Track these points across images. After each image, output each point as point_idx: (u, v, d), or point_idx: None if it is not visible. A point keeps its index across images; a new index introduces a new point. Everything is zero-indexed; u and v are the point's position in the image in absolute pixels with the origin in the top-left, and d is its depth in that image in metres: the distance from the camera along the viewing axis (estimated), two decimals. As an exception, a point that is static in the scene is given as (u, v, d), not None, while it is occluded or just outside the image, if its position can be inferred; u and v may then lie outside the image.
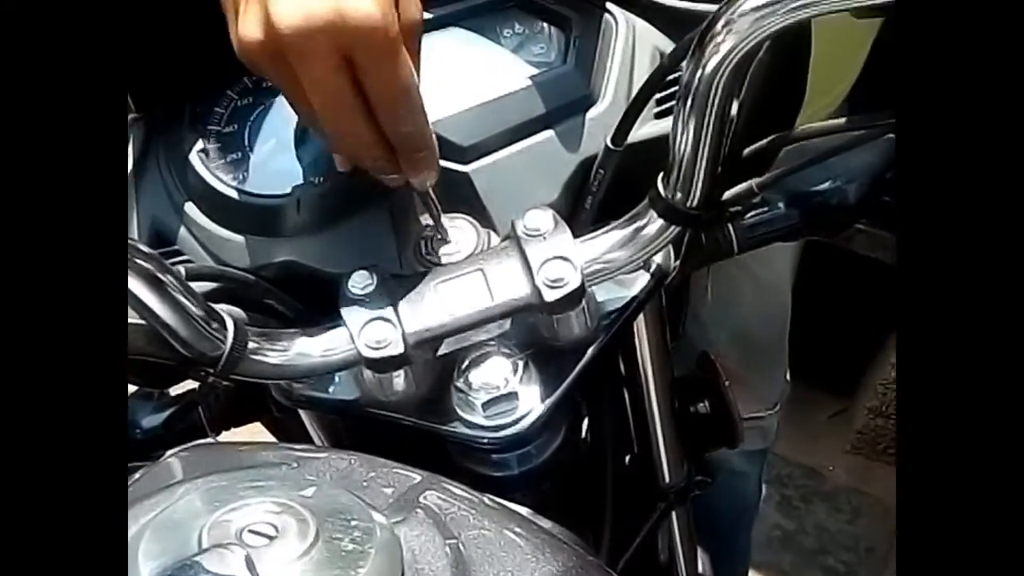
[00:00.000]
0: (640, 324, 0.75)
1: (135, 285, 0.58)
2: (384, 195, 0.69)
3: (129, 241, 0.58)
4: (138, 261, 0.58)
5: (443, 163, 0.69)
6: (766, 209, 0.74)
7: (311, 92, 0.59)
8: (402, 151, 0.63)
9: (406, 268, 0.68)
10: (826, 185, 0.73)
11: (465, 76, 0.72)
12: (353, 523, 0.51)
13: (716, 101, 0.59)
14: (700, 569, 0.95)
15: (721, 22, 0.57)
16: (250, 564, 0.48)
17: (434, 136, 0.64)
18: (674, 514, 0.88)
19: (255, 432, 0.82)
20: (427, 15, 0.72)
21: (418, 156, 0.64)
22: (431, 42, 0.72)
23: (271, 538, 0.50)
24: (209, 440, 0.71)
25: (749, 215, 0.74)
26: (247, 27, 0.58)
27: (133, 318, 0.60)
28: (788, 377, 1.31)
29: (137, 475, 0.58)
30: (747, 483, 1.43)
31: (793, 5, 0.55)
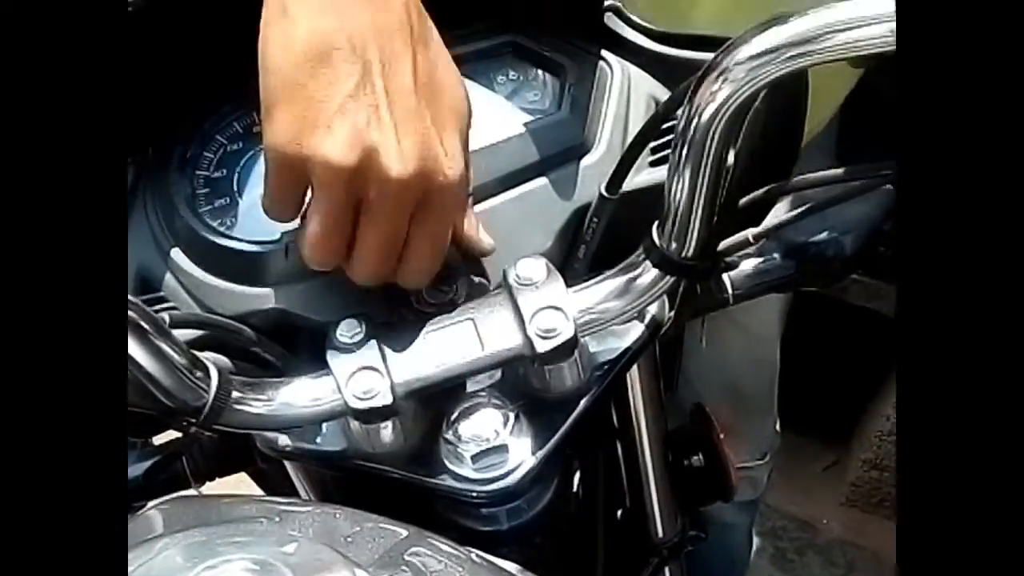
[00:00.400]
0: (633, 375, 0.74)
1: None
2: None
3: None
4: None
5: None
6: (762, 259, 0.74)
7: (370, 241, 0.60)
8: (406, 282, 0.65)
9: (396, 317, 0.67)
10: (823, 236, 0.73)
11: None
12: (336, 580, 0.50)
13: (712, 150, 0.58)
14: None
15: (717, 70, 0.56)
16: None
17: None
18: (667, 569, 0.87)
19: (241, 482, 0.81)
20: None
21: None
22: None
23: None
24: (191, 492, 0.70)
25: (744, 265, 0.73)
26: (340, 145, 0.58)
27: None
28: (778, 427, 1.30)
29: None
30: (738, 534, 1.43)
31: (790, 54, 0.54)
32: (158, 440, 0.77)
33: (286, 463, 0.72)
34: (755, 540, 1.56)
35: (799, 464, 2.06)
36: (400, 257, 0.62)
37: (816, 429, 2.04)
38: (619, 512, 0.83)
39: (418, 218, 0.60)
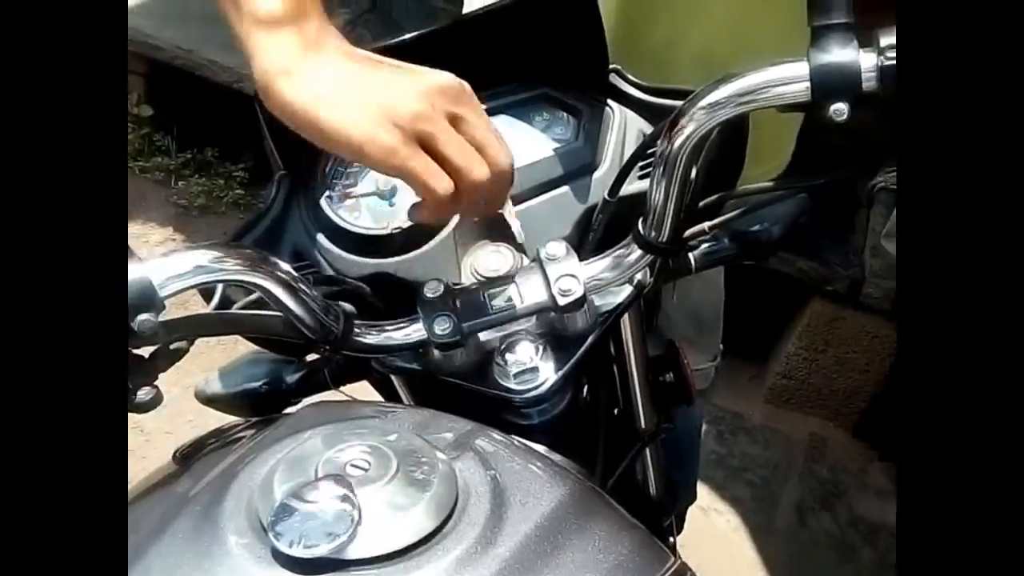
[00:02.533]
0: (625, 321, 0.73)
1: (277, 289, 0.57)
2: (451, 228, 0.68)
3: (273, 258, 0.57)
4: (279, 272, 0.57)
5: None
6: (716, 242, 0.72)
7: (454, 150, 0.56)
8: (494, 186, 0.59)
9: (464, 280, 0.67)
10: (757, 227, 0.71)
11: (512, 146, 0.70)
12: (422, 460, 0.50)
13: (681, 168, 0.57)
14: (665, 487, 0.92)
15: (685, 114, 0.55)
16: (350, 488, 0.46)
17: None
18: (648, 449, 0.86)
19: (364, 388, 0.80)
20: (486, 105, 0.71)
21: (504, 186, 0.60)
22: (492, 121, 0.71)
23: (365, 470, 0.48)
24: (328, 396, 0.69)
25: (703, 246, 0.72)
26: (408, 100, 0.56)
27: (274, 310, 0.58)
28: (721, 343, 1.28)
29: (282, 420, 0.57)
30: (695, 415, 1.41)
31: (734, 103, 0.53)
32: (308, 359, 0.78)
33: (392, 376, 0.71)
34: (703, 425, 1.55)
35: (734, 376, 2.04)
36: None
37: (746, 352, 2.03)
38: (615, 411, 0.82)
39: (460, 121, 0.57)
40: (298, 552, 0.43)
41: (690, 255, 0.71)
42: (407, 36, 0.66)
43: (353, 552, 0.44)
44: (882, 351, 1.91)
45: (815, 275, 1.89)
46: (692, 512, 1.59)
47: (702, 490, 1.82)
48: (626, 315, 0.71)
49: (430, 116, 0.55)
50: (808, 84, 0.49)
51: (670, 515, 0.96)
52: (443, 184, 0.56)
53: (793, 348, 1.97)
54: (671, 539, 0.97)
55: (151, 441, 1.73)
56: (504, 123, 0.71)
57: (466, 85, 0.57)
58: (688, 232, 0.64)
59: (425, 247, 0.67)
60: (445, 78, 0.56)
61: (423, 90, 0.55)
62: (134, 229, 2.14)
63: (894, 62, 0.46)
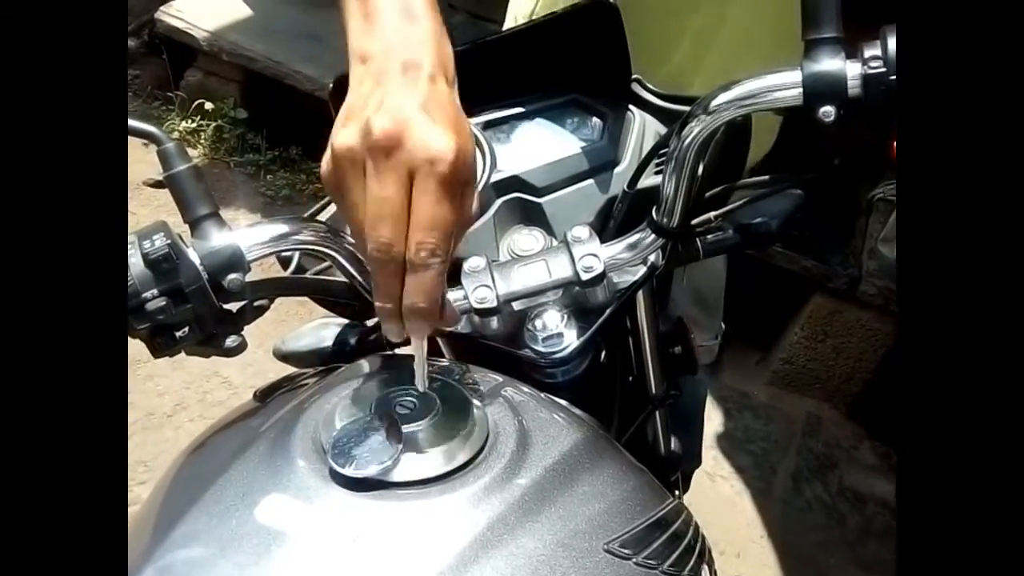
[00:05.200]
0: (640, 297, 0.73)
1: (343, 258, 0.57)
2: (492, 213, 0.68)
3: (341, 232, 0.58)
4: (346, 244, 0.58)
5: (525, 196, 0.68)
6: (721, 232, 0.71)
7: (370, 201, 0.44)
8: (409, 296, 0.46)
9: (502, 257, 0.67)
10: (758, 219, 0.70)
11: (543, 145, 0.71)
12: (459, 404, 0.51)
13: (689, 163, 0.57)
14: (672, 447, 0.92)
15: (693, 117, 0.55)
16: (397, 424, 0.48)
17: (440, 301, 0.47)
18: (657, 413, 0.86)
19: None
20: (521, 109, 0.72)
21: (422, 308, 0.46)
22: (526, 125, 0.72)
23: (411, 410, 0.50)
24: (385, 352, 0.71)
25: (710, 235, 0.72)
26: (345, 135, 0.44)
27: (341, 277, 0.59)
28: (723, 322, 1.26)
29: (343, 369, 0.59)
30: (700, 386, 1.40)
31: (735, 107, 0.53)
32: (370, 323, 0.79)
33: (438, 338, 0.72)
34: (708, 397, 1.54)
35: (742, 359, 2.03)
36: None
37: (753, 339, 2.02)
38: (630, 378, 0.82)
39: (416, 188, 0.43)
40: (350, 472, 0.45)
41: (698, 243, 0.71)
42: (456, 48, 0.67)
43: (396, 475, 0.46)
44: (875, 342, 1.88)
45: (818, 273, 1.87)
46: (699, 476, 1.58)
47: (709, 457, 1.82)
48: (640, 292, 0.71)
49: (380, 156, 0.43)
50: (800, 90, 0.49)
51: (676, 472, 0.96)
52: (356, 219, 0.45)
53: (795, 337, 1.96)
54: (676, 492, 0.97)
55: (237, 393, 1.78)
56: (538, 124, 0.72)
57: (456, 161, 0.44)
58: (695, 221, 0.64)
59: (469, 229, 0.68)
60: (442, 146, 0.43)
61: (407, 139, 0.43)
62: (227, 214, 2.16)
63: (877, 71, 0.46)
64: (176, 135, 2.36)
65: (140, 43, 2.60)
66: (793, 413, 1.97)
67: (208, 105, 2.34)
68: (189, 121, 2.38)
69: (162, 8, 2.36)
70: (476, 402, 0.52)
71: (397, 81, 0.45)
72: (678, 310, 0.88)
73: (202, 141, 2.37)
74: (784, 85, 0.50)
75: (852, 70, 0.47)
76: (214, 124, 2.36)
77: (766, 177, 0.61)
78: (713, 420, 1.91)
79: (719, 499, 1.79)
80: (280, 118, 2.28)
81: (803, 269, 1.87)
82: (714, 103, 0.53)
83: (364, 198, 0.44)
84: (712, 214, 0.64)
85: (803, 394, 2.00)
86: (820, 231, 1.87)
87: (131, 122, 0.51)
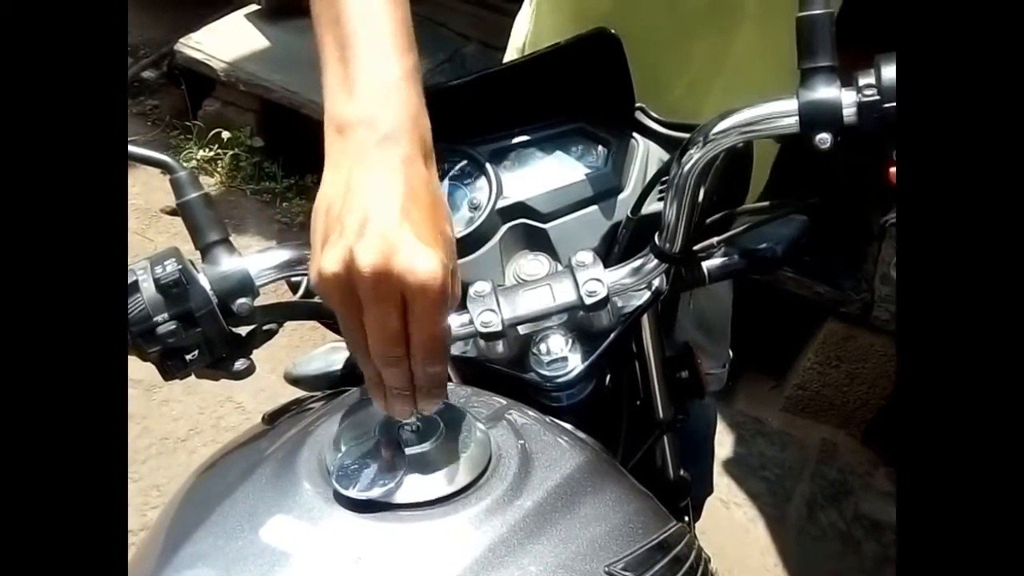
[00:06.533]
0: (645, 322, 0.73)
1: None
2: (498, 239, 0.69)
3: None
4: None
5: (531, 222, 0.69)
6: (727, 258, 0.72)
7: (370, 328, 0.44)
8: (423, 387, 0.47)
9: (507, 282, 0.68)
10: (763, 245, 0.71)
11: (548, 172, 0.72)
12: (463, 427, 0.52)
13: (689, 189, 0.58)
14: (681, 472, 0.92)
15: (692, 144, 0.56)
16: (402, 446, 0.49)
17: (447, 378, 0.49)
18: (665, 438, 0.85)
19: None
20: (527, 137, 0.73)
21: (436, 391, 0.48)
22: (532, 153, 0.73)
23: (415, 433, 0.50)
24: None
25: (716, 260, 0.72)
26: (329, 262, 0.43)
27: None
28: (730, 351, 1.26)
29: (349, 393, 0.59)
30: (709, 412, 1.39)
31: (733, 134, 0.54)
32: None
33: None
34: (719, 422, 1.52)
35: (755, 386, 2.02)
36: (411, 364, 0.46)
37: (767, 365, 2.00)
38: (637, 402, 0.82)
39: (411, 316, 0.44)
40: (353, 493, 0.46)
41: (704, 268, 0.72)
42: (464, 79, 0.69)
43: (399, 497, 0.46)
44: (889, 367, 1.87)
45: (830, 298, 1.86)
46: (713, 503, 1.57)
47: (722, 484, 1.80)
48: (645, 317, 0.71)
49: (370, 289, 0.43)
50: (796, 118, 0.50)
51: (685, 498, 0.95)
52: (357, 343, 0.46)
53: (809, 362, 1.94)
54: (685, 518, 0.97)
55: (251, 418, 1.78)
56: (544, 152, 0.73)
57: (444, 279, 0.43)
58: (697, 246, 0.64)
59: (475, 254, 0.69)
60: (429, 269, 0.42)
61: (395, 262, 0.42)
62: (243, 240, 2.21)
63: (871, 99, 0.47)
64: (194, 163, 2.39)
65: (160, 74, 2.65)
66: (807, 439, 1.95)
67: (225, 134, 2.38)
68: (207, 150, 2.42)
69: (181, 40, 2.41)
70: (479, 425, 0.52)
71: (376, 166, 0.44)
72: (685, 338, 0.88)
73: (219, 169, 2.41)
74: (780, 113, 0.51)
75: (847, 98, 0.48)
76: (231, 152, 2.40)
77: (767, 203, 0.62)
78: (726, 446, 1.89)
79: (733, 526, 1.77)
80: (295, 147, 2.32)
81: (815, 295, 1.87)
82: (712, 131, 0.54)
83: (360, 322, 0.44)
84: (715, 239, 0.64)
85: (817, 420, 1.98)
86: (833, 255, 1.86)
87: (145, 151, 0.52)
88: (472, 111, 0.71)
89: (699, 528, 1.43)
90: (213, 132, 2.39)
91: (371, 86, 0.45)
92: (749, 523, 1.79)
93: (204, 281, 0.53)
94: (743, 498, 1.83)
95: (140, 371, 0.57)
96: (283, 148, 2.38)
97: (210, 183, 2.37)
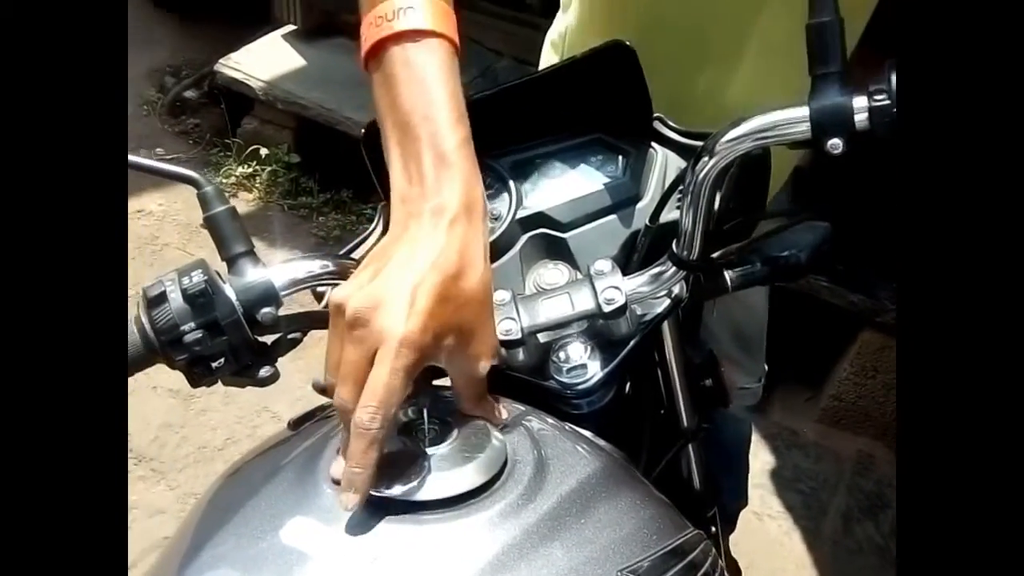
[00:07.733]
0: (665, 330, 0.73)
1: None
2: (518, 249, 0.69)
3: None
4: None
5: (550, 232, 0.70)
6: (750, 265, 0.71)
7: (344, 356, 0.49)
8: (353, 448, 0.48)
9: (527, 291, 0.68)
10: (786, 252, 0.70)
11: (567, 182, 0.72)
12: (479, 432, 0.52)
13: (705, 196, 0.58)
14: (707, 481, 0.90)
15: (707, 151, 0.56)
16: (421, 448, 0.50)
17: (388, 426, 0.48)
18: (690, 447, 0.84)
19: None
20: (546, 148, 0.73)
21: (366, 455, 0.47)
22: (551, 163, 0.73)
23: (433, 436, 0.52)
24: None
25: (738, 268, 0.71)
26: (341, 289, 0.50)
27: None
28: (766, 364, 1.24)
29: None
30: (744, 426, 1.37)
31: (747, 141, 0.54)
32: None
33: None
34: (756, 435, 1.50)
35: (790, 397, 1.99)
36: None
37: (802, 376, 1.98)
38: (661, 412, 0.82)
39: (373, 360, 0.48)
40: (375, 492, 0.46)
41: (726, 275, 0.71)
42: (483, 92, 0.69)
43: (414, 498, 0.47)
44: (927, 378, 1.83)
45: (865, 308, 1.83)
46: (747, 516, 1.55)
47: (756, 496, 1.78)
48: (666, 324, 0.71)
49: (348, 327, 0.48)
50: (808, 124, 0.50)
51: (712, 507, 0.94)
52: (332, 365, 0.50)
53: (845, 373, 1.91)
54: (712, 528, 0.95)
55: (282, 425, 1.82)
56: (563, 162, 0.73)
57: (403, 356, 0.47)
58: (716, 253, 0.64)
59: (495, 263, 0.69)
60: (396, 334, 0.47)
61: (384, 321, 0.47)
62: (280, 254, 2.25)
63: (883, 103, 0.47)
64: (233, 180, 2.45)
65: (200, 94, 2.72)
66: (843, 451, 1.92)
67: (263, 151, 2.44)
68: (245, 166, 2.48)
69: (221, 60, 2.47)
70: (495, 431, 0.53)
71: (420, 231, 0.50)
72: (718, 351, 0.87)
73: (257, 185, 2.46)
74: (792, 120, 0.51)
75: (858, 103, 0.48)
76: (269, 169, 2.45)
77: (785, 209, 0.61)
78: (761, 458, 1.87)
79: (767, 539, 1.75)
80: (332, 162, 2.36)
81: (850, 304, 1.84)
82: (725, 139, 0.54)
83: (339, 347, 0.49)
84: (734, 247, 0.64)
85: (853, 432, 1.94)
86: (869, 265, 1.83)
87: (173, 167, 0.54)
88: (492, 124, 0.71)
89: (732, 540, 1.41)
90: (251, 149, 2.45)
91: (426, 161, 0.51)
92: (783, 536, 1.76)
93: (230, 291, 0.54)
94: (777, 510, 1.80)
95: (178, 381, 0.59)
96: (319, 164, 2.42)
97: (248, 199, 2.43)
